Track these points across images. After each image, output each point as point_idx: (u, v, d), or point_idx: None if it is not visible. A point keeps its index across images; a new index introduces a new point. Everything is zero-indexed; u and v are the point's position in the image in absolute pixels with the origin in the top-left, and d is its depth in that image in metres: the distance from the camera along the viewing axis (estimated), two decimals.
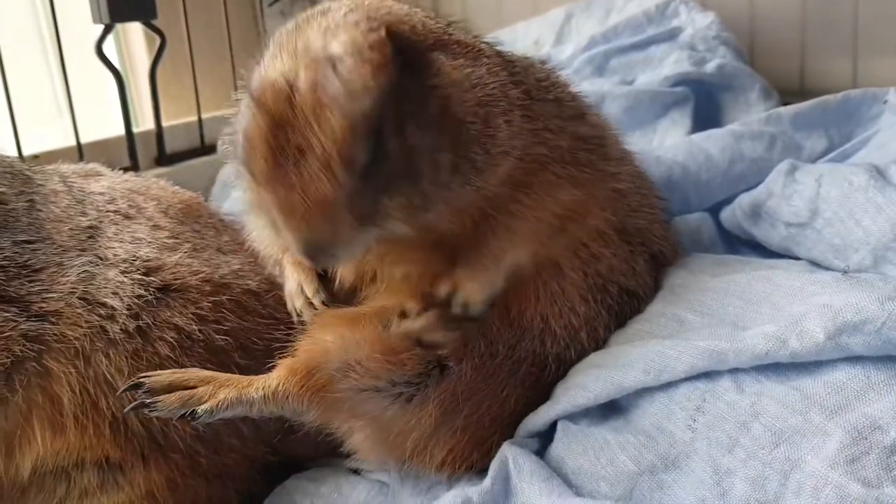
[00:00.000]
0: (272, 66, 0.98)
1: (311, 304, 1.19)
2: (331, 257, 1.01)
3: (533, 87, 1.14)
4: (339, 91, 0.93)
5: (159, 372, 1.12)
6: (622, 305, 1.21)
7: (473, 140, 1.02)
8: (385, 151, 0.97)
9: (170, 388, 1.11)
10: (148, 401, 1.09)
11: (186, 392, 1.11)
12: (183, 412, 1.09)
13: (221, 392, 1.12)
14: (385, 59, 0.96)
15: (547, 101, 1.15)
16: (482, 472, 1.10)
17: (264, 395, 1.11)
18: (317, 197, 0.95)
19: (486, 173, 1.05)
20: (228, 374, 1.16)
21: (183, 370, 1.14)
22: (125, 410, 1.11)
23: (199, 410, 1.09)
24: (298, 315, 1.20)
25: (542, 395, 1.15)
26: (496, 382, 1.13)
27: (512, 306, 1.15)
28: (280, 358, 1.16)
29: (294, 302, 1.21)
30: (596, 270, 1.18)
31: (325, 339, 1.13)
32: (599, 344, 1.19)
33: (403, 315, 1.12)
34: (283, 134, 0.94)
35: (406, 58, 0.98)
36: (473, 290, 1.11)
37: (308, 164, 0.94)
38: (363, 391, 1.11)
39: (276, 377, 1.13)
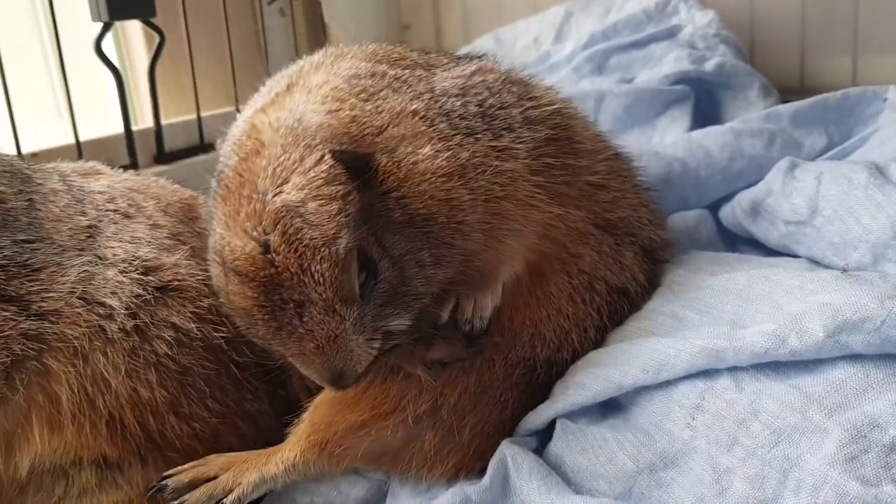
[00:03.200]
0: (235, 229, 0.96)
1: None
2: (353, 376, 1.01)
3: (477, 124, 1.09)
4: (314, 239, 0.93)
5: (179, 468, 1.16)
6: (612, 304, 1.21)
7: (444, 226, 1.01)
8: (375, 269, 0.98)
9: (192, 484, 1.14)
10: (175, 502, 1.13)
11: (210, 484, 1.15)
12: None
13: (244, 477, 1.15)
14: (345, 187, 0.95)
15: (494, 127, 1.10)
16: (481, 470, 1.10)
17: (285, 468, 1.16)
18: (327, 336, 0.96)
19: (466, 244, 1.05)
20: (245, 454, 1.19)
21: (202, 460, 1.18)
22: None
23: (226, 502, 1.13)
24: None
25: (535, 395, 1.16)
26: (494, 390, 1.14)
27: (501, 315, 1.15)
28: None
29: None
30: (579, 269, 1.17)
31: (325, 414, 1.16)
32: (590, 344, 1.19)
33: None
34: (276, 295, 0.94)
35: (355, 171, 0.96)
36: (477, 307, 1.12)
37: (310, 313, 0.95)
38: (381, 443, 1.14)
39: (292, 449, 1.16)
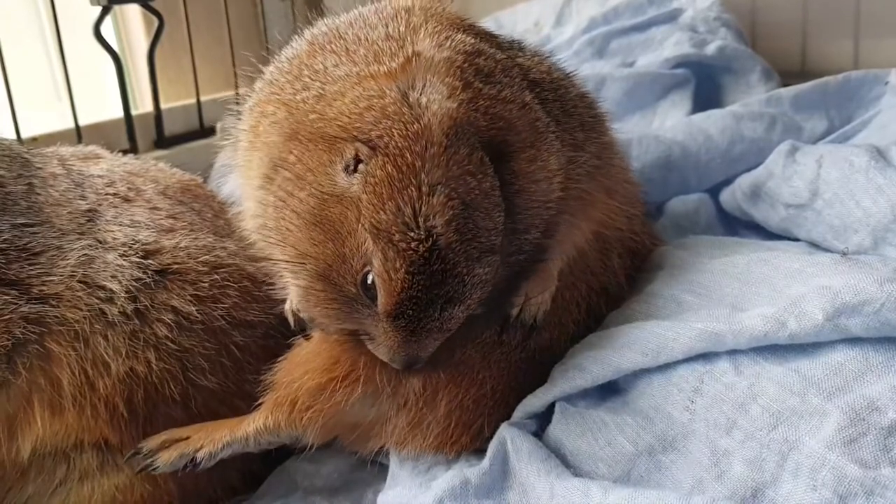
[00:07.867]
0: (408, 216, 0.89)
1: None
2: (424, 361, 1.00)
3: (561, 119, 1.09)
4: (482, 243, 0.91)
5: (152, 437, 1.16)
6: (590, 299, 1.21)
7: (538, 228, 1.01)
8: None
9: (164, 446, 1.15)
10: (149, 461, 1.14)
11: (182, 443, 1.15)
12: (184, 462, 1.14)
13: (216, 434, 1.16)
14: (500, 202, 0.94)
15: (572, 124, 1.11)
16: (480, 452, 1.11)
17: (256, 428, 1.16)
18: (448, 330, 0.95)
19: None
20: (220, 421, 1.19)
21: (176, 429, 1.17)
22: (136, 471, 1.15)
23: (198, 457, 1.14)
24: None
25: (516, 375, 1.16)
26: (469, 368, 1.14)
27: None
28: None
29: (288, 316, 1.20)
30: (569, 270, 1.18)
31: (292, 375, 1.15)
32: (566, 335, 1.19)
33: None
34: (436, 290, 0.91)
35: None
36: (542, 301, 1.12)
37: (452, 309, 0.93)
38: (342, 406, 1.12)
39: (263, 411, 1.16)
